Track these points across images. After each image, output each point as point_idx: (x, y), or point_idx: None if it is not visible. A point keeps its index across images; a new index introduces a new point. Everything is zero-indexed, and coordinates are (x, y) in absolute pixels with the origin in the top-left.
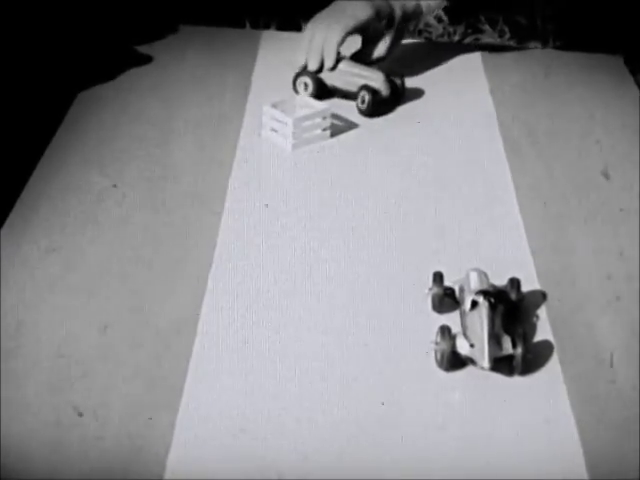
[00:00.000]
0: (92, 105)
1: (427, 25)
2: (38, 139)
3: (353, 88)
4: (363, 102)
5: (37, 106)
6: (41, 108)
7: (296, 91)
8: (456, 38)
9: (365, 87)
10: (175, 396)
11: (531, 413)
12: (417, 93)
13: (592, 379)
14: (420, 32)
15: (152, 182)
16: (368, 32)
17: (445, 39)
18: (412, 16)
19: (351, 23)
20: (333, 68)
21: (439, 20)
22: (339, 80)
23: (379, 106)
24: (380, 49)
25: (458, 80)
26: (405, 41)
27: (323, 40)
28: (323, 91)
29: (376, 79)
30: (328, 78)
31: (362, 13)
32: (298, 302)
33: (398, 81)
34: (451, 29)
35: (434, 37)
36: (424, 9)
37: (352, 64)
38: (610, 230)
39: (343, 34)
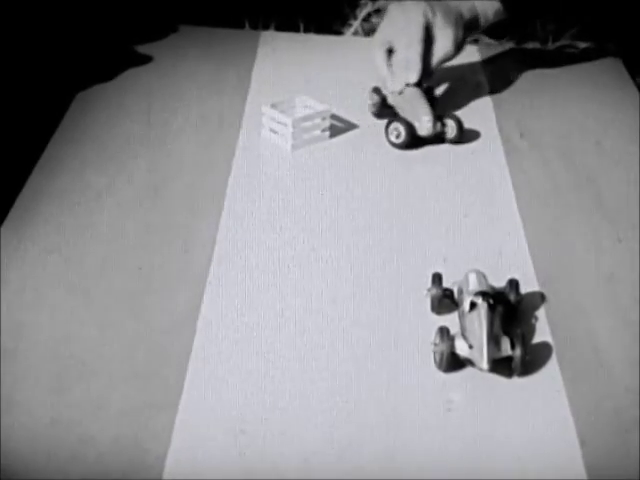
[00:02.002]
0: (91, 105)
1: None
2: (37, 139)
3: (403, 114)
4: (398, 136)
5: (36, 105)
6: (40, 107)
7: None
8: None
9: (401, 120)
10: (174, 396)
11: (530, 414)
12: None
13: (591, 380)
14: None
15: (151, 182)
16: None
17: None
18: (470, 27)
19: (421, 33)
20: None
21: None
22: (397, 102)
23: (415, 141)
24: (446, 47)
25: (457, 81)
26: None
27: (406, 58)
28: (386, 109)
29: (420, 117)
30: (391, 98)
31: (419, 20)
32: (298, 302)
33: (452, 123)
34: None
35: None
36: (482, 23)
37: (417, 94)
38: (610, 231)
39: (422, 47)
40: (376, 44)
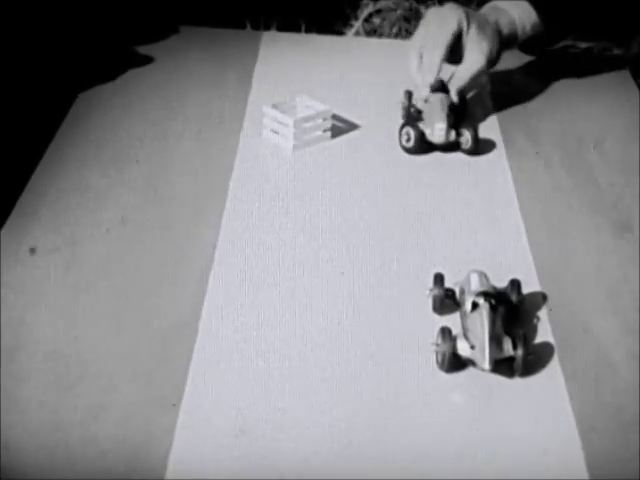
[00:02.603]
0: (92, 106)
1: None
2: (38, 140)
3: (424, 119)
4: (408, 140)
5: (37, 107)
6: (41, 109)
7: None
8: None
9: (412, 124)
10: (176, 396)
11: (531, 414)
12: None
13: (592, 380)
14: None
15: (152, 182)
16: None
17: None
18: (507, 42)
19: (449, 39)
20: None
21: None
22: (423, 107)
23: (427, 147)
24: (479, 61)
25: None
26: (404, 42)
27: (429, 61)
28: (415, 114)
29: (434, 124)
30: (420, 103)
31: (451, 27)
32: (298, 302)
33: (467, 133)
34: None
35: None
36: (520, 37)
37: (438, 100)
38: (610, 231)
39: (445, 51)
40: (410, 48)
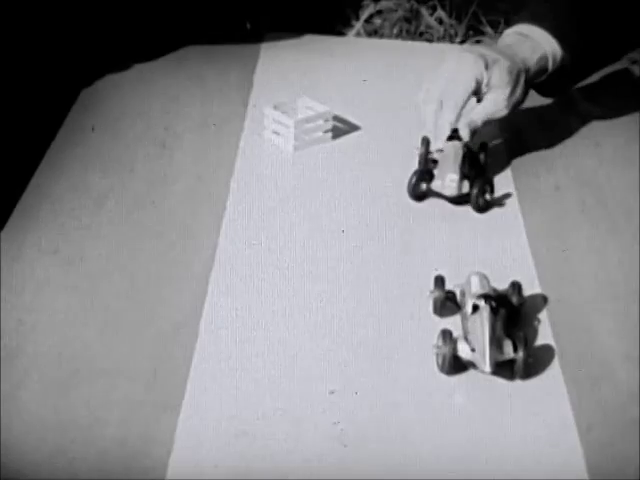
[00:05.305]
0: (93, 107)
1: (428, 27)
2: (39, 140)
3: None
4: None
5: (38, 106)
6: (42, 109)
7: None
8: (457, 40)
9: (419, 171)
10: (177, 397)
11: (532, 417)
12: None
13: (593, 383)
14: (421, 34)
15: (153, 183)
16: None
17: (446, 41)
18: (536, 73)
19: (465, 98)
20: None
21: (440, 21)
22: (439, 156)
23: (431, 195)
24: (497, 104)
25: None
26: (405, 42)
27: (444, 121)
28: (428, 162)
29: (445, 175)
30: (436, 152)
31: (469, 83)
32: (299, 303)
33: (484, 191)
34: (452, 31)
35: (435, 39)
36: (550, 66)
37: (452, 151)
38: (611, 233)
39: (459, 113)
40: (427, 100)
